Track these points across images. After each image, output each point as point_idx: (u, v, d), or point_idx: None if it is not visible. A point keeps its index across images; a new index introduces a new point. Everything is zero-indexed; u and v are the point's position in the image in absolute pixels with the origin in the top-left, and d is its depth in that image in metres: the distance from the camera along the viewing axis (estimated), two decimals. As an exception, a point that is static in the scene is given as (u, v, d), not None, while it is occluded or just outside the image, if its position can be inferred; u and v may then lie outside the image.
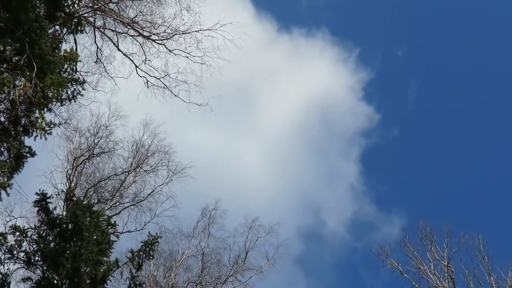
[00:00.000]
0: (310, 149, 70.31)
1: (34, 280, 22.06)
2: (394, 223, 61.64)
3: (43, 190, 22.86)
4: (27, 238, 22.14)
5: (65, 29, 21.47)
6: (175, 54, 31.54)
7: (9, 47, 18.01)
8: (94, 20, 30.31)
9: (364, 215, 63.91)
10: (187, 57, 31.61)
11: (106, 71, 31.68)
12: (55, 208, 23.13)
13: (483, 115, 74.67)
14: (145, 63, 31.61)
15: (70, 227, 22.47)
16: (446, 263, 39.08)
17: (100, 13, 29.90)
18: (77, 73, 23.07)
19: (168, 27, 31.34)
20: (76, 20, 21.74)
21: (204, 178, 46.32)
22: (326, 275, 62.16)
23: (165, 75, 31.70)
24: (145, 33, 31.21)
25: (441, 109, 76.99)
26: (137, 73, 31.80)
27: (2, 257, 21.54)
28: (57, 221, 22.55)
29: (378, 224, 64.18)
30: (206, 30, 31.47)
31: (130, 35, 31.21)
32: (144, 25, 31.25)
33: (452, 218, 44.27)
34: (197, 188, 42.77)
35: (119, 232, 24.70)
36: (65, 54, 19.53)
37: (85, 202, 24.70)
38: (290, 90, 70.02)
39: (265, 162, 64.68)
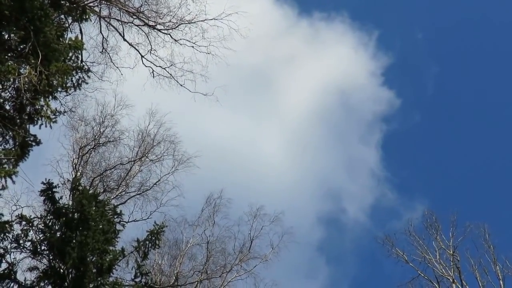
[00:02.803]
0: (330, 134, 69.97)
1: (40, 269, 22.14)
2: (416, 209, 61.22)
3: (49, 179, 22.98)
4: (33, 228, 22.19)
5: (70, 18, 21.41)
6: (181, 44, 31.47)
7: (14, 35, 17.99)
8: (100, 10, 30.25)
9: (385, 201, 63.46)
10: (193, 47, 31.54)
11: (112, 61, 31.63)
12: (61, 197, 23.22)
13: (503, 100, 73.89)
14: (150, 53, 31.54)
15: (76, 216, 22.52)
16: (451, 252, 39.05)
17: (105, 2, 29.84)
18: (83, 63, 23.07)
19: (173, 16, 31.26)
20: (80, 9, 21.66)
21: (221, 164, 46.43)
22: (347, 263, 62.06)
23: (171, 65, 31.64)
24: (151, 23, 31.15)
25: (462, 93, 76.20)
26: (142, 63, 31.75)
27: (9, 246, 21.60)
28: (63, 210, 22.61)
29: (400, 210, 63.75)
30: (211, 19, 31.42)
31: (135, 25, 31.15)
32: (149, 15, 31.19)
33: (458, 207, 44.11)
34: (214, 174, 42.88)
35: (125, 222, 24.75)
36: (69, 42, 19.50)
37: (91, 192, 24.74)
38: (310, 75, 69.81)
39: (284, 148, 64.48)
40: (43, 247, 22.23)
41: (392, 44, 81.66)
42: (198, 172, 37.79)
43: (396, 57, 75.32)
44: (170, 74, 31.60)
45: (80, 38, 24.39)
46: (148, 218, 36.06)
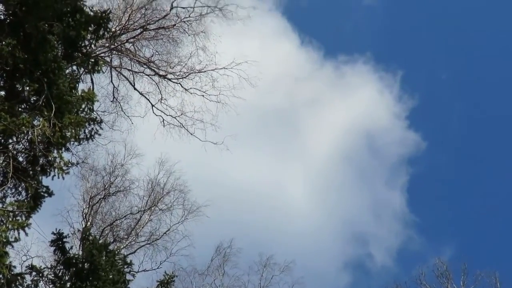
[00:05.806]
0: (355, 177, 69.12)
1: (50, 320, 21.99)
2: (444, 253, 60.39)
3: (60, 229, 22.93)
4: (43, 278, 22.09)
5: (82, 69, 21.62)
6: (191, 93, 31.76)
7: (28, 88, 18.16)
8: (111, 60, 30.63)
9: (411, 245, 62.30)
10: (203, 95, 31.81)
11: (122, 111, 31.95)
12: (71, 247, 23.21)
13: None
14: (161, 102, 31.81)
15: (86, 266, 22.45)
16: (463, 301, 38.74)
17: (116, 52, 30.21)
18: (94, 112, 23.21)
19: (184, 66, 31.63)
20: (93, 60, 21.88)
21: (243, 207, 46.17)
22: (374, 310, 61.19)
23: (181, 114, 31.86)
24: (161, 72, 31.48)
25: (489, 134, 75.46)
26: (153, 112, 32.00)
27: (19, 297, 21.46)
28: (74, 260, 22.54)
29: (427, 254, 62.77)
30: (221, 69, 31.72)
31: (146, 74, 31.50)
32: (160, 64, 31.57)
33: (469, 255, 43.68)
34: (235, 217, 42.76)
35: (135, 271, 24.71)
36: (82, 94, 19.65)
37: (101, 241, 24.72)
38: (334, 117, 69.58)
39: (309, 191, 63.76)
40: (53, 298, 22.13)
41: (417, 84, 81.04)
42: (217, 217, 37.76)
43: (421, 98, 74.55)
44: (181, 123, 31.84)
45: (91, 88, 24.63)
46: (158, 268, 36.04)
